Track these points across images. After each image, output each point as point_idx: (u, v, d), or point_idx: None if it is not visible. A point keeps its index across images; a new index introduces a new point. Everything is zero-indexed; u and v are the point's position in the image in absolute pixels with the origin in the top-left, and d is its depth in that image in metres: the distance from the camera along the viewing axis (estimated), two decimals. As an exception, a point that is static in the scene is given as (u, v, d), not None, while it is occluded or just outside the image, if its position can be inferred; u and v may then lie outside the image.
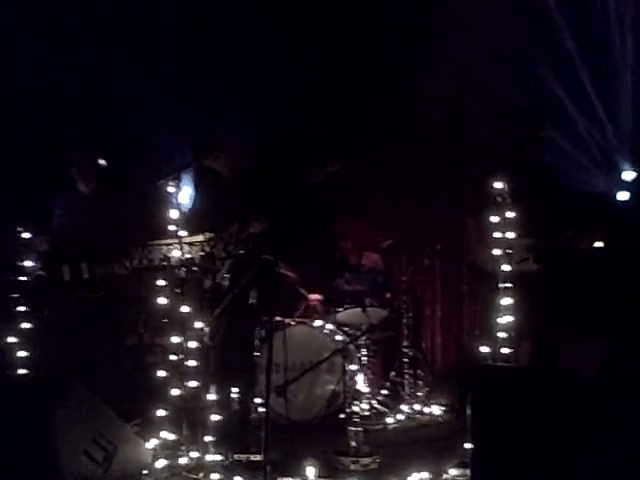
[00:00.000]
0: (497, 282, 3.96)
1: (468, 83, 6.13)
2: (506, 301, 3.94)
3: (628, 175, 5.37)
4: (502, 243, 4.00)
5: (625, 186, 5.38)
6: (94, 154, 4.54)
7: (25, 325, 4.09)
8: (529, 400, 3.18)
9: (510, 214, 4.01)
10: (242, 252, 4.02)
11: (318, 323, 5.29)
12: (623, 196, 5.27)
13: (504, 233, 4.01)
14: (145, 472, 3.56)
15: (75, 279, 4.27)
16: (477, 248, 4.40)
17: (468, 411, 3.29)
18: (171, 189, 3.76)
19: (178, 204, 3.80)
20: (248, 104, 6.07)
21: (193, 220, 4.12)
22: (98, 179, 4.53)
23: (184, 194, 4.24)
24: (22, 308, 4.12)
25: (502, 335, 3.91)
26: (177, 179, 3.76)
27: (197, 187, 4.47)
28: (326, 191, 5.70)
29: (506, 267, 3.99)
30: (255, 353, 5.02)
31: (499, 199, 4.06)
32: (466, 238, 4.68)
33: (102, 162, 4.53)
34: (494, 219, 4.03)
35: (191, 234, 3.87)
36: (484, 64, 5.87)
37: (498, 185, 4.06)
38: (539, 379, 3.34)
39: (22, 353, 4.03)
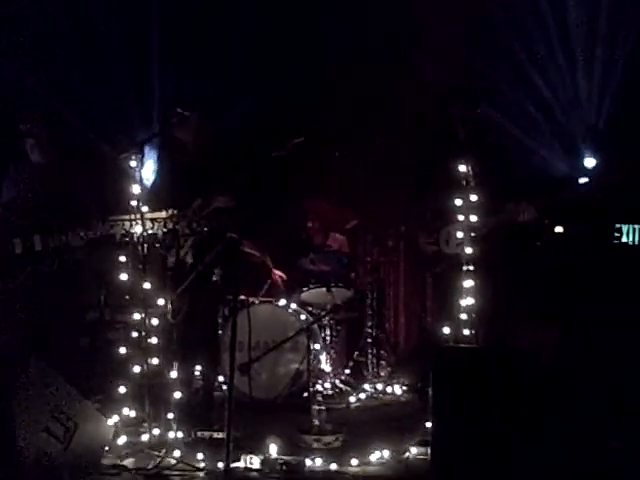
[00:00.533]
0: (459, 264, 4.01)
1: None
2: (468, 283, 3.99)
3: (589, 162, 5.46)
4: (465, 226, 4.05)
5: (585, 172, 5.46)
6: (37, 127, 4.40)
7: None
8: (488, 380, 3.23)
9: (474, 197, 4.05)
10: (206, 229, 3.97)
11: (282, 302, 5.29)
12: (583, 181, 5.36)
13: (467, 216, 4.05)
14: (106, 448, 3.53)
15: (27, 252, 4.17)
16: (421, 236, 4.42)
17: (429, 391, 3.33)
18: (133, 163, 3.69)
19: (141, 179, 3.73)
20: (215, 74, 6.01)
21: (156, 194, 4.06)
22: (46, 151, 4.40)
23: (147, 169, 4.17)
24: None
25: (463, 317, 3.97)
26: (140, 153, 3.69)
27: (161, 158, 4.37)
28: (292, 169, 5.70)
29: (468, 250, 4.04)
30: (219, 331, 5.01)
31: (463, 182, 4.10)
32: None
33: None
34: (458, 202, 4.06)
35: (154, 210, 3.81)
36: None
37: (463, 168, 4.10)
38: (498, 360, 3.39)
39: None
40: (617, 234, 4.78)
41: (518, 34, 5.82)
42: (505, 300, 4.27)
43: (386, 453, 3.67)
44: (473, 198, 4.04)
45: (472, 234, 4.06)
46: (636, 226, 4.76)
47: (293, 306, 5.30)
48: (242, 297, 5.18)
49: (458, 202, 4.05)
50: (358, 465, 3.57)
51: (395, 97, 6.34)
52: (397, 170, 6.61)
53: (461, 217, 4.05)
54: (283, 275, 5.79)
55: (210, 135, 4.22)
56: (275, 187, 5.37)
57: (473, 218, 4.04)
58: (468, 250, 4.02)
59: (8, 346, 4.02)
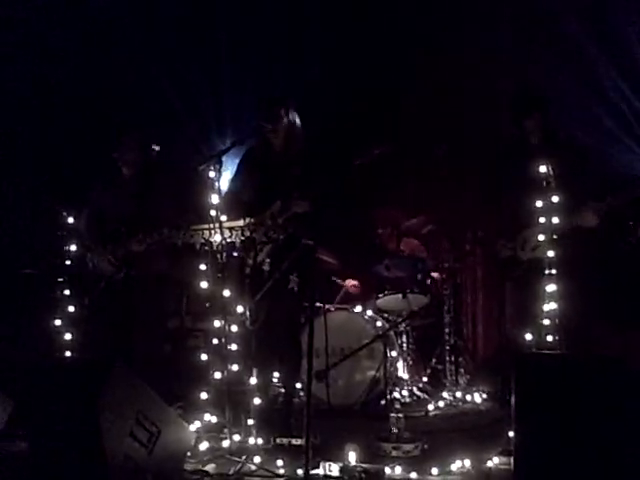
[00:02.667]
0: (541, 268, 3.89)
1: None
2: (550, 288, 3.86)
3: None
4: (547, 228, 3.92)
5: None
6: (139, 138, 4.57)
7: (70, 309, 4.16)
8: (574, 388, 3.12)
9: (555, 199, 3.93)
10: (282, 237, 4.00)
11: (358, 309, 5.27)
12: None
13: (548, 218, 3.92)
14: (188, 454, 3.60)
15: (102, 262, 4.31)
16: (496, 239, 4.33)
17: (512, 399, 3.24)
18: (212, 173, 3.76)
19: (219, 189, 3.80)
20: (298, 83, 6.06)
21: (236, 194, 4.09)
22: (139, 164, 4.56)
23: (225, 178, 4.23)
24: (67, 292, 4.18)
25: (546, 322, 3.85)
26: (218, 163, 3.75)
27: (248, 154, 4.36)
28: (371, 174, 5.69)
29: (550, 253, 3.91)
30: (300, 338, 5.03)
31: (544, 183, 3.98)
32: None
33: (155, 148, 4.55)
34: (539, 204, 3.95)
35: (232, 218, 3.87)
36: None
37: (542, 169, 3.98)
38: (584, 367, 3.26)
39: (67, 336, 4.10)
40: None
41: (588, 32, 5.63)
42: (592, 305, 4.12)
43: (467, 462, 3.58)
44: (554, 199, 3.92)
45: (554, 236, 3.93)
46: None
47: (369, 313, 5.27)
48: (318, 304, 5.18)
49: (539, 204, 3.93)
50: (439, 474, 3.50)
51: (469, 103, 6.27)
52: (473, 173, 6.51)
53: (542, 219, 3.94)
54: (357, 284, 5.76)
55: (299, 139, 4.23)
56: (351, 194, 5.36)
57: (555, 220, 3.91)
58: (550, 253, 3.90)
59: (94, 353, 4.17)
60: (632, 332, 4.62)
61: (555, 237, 3.92)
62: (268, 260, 3.98)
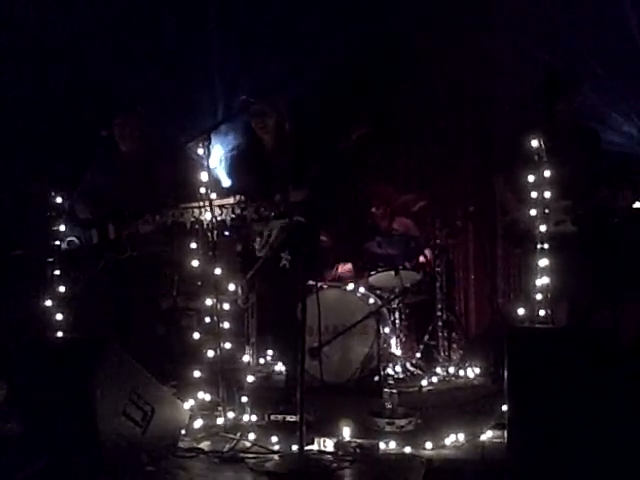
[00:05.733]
0: (534, 243, 3.90)
1: (500, 39, 5.99)
2: (543, 262, 3.87)
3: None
4: (539, 203, 3.93)
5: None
6: (136, 116, 4.52)
7: (61, 289, 4.14)
8: (566, 362, 3.13)
9: (547, 173, 3.93)
10: (273, 215, 3.98)
11: (351, 286, 5.27)
12: None
13: (541, 193, 3.92)
14: (183, 432, 3.61)
15: (103, 241, 4.29)
16: (515, 208, 4.33)
17: (504, 373, 3.25)
18: (201, 151, 3.73)
19: (208, 166, 3.77)
20: (285, 67, 6.01)
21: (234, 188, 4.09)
22: (138, 140, 4.51)
23: (214, 155, 4.20)
24: (57, 272, 4.16)
25: (539, 297, 3.86)
26: (207, 141, 3.72)
27: (241, 156, 4.36)
28: (356, 156, 5.66)
29: (543, 227, 3.92)
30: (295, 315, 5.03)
31: (535, 157, 3.97)
32: (501, 198, 4.61)
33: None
34: (530, 178, 3.95)
35: (222, 197, 3.85)
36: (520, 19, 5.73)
37: (534, 143, 3.97)
38: (576, 340, 3.28)
39: (59, 316, 4.08)
40: None
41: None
42: (584, 278, 4.14)
43: (461, 436, 3.61)
44: (546, 174, 3.91)
45: (546, 211, 3.94)
46: None
47: (361, 290, 5.27)
48: (311, 282, 5.18)
49: (530, 178, 3.93)
50: (433, 448, 3.52)
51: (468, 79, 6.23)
52: (464, 149, 6.49)
53: (534, 194, 3.93)
54: (350, 268, 5.76)
55: (288, 130, 4.22)
56: (341, 175, 5.34)
57: (547, 194, 3.91)
58: (542, 228, 3.90)
59: (88, 332, 4.16)
60: (623, 304, 4.64)
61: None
62: (259, 238, 3.95)
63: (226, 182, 4.38)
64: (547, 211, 3.93)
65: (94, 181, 4.50)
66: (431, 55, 6.18)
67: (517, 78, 5.76)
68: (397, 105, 6.47)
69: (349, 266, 5.81)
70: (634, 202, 4.22)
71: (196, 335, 3.93)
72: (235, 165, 4.39)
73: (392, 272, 5.38)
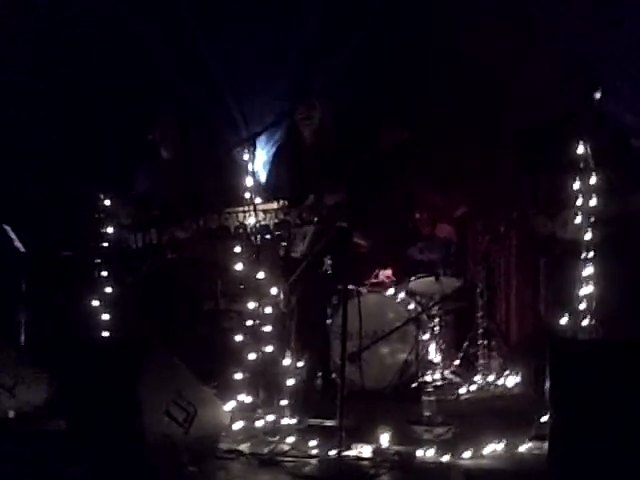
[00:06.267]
0: (578, 251, 3.85)
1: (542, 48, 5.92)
2: (588, 271, 3.81)
3: None
4: (585, 210, 3.87)
5: None
6: (176, 122, 4.60)
7: (108, 290, 4.23)
8: (610, 374, 3.08)
9: (593, 180, 3.87)
10: (316, 219, 4.01)
11: (391, 291, 5.27)
12: None
13: (587, 200, 3.87)
14: (223, 433, 3.65)
15: (146, 245, 4.38)
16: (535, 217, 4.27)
17: (546, 384, 3.22)
18: (246, 156, 3.78)
19: (253, 171, 3.82)
20: (328, 71, 6.05)
21: (269, 189, 4.14)
22: (178, 146, 4.60)
23: (259, 161, 4.26)
24: (104, 273, 4.25)
25: (582, 307, 3.81)
26: (252, 146, 3.77)
27: (279, 151, 4.41)
28: (398, 161, 5.66)
29: (588, 236, 3.86)
30: (328, 320, 5.06)
31: (582, 165, 3.92)
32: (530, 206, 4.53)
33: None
34: (576, 185, 3.90)
35: (266, 201, 3.89)
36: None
37: (580, 150, 3.93)
38: (621, 352, 3.22)
39: (105, 317, 4.18)
40: None
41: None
42: (629, 289, 4.07)
43: (500, 446, 3.58)
44: (592, 181, 3.86)
45: (592, 219, 3.88)
46: None
47: (401, 295, 5.27)
48: (351, 287, 5.19)
49: (576, 185, 3.88)
50: (471, 458, 3.50)
51: (509, 82, 6.16)
52: (507, 155, 6.43)
53: (579, 201, 3.88)
54: (391, 276, 5.76)
55: (329, 132, 4.25)
56: (383, 179, 5.35)
57: (592, 202, 3.86)
58: (587, 236, 3.85)
59: (133, 333, 4.25)
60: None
61: (593, 220, 3.88)
62: (302, 243, 4.00)
63: (263, 176, 4.40)
64: (592, 219, 3.89)
65: (137, 186, 4.59)
66: (467, 58, 6.15)
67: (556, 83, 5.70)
68: (438, 109, 6.44)
69: (389, 272, 5.81)
70: None
71: (238, 337, 3.97)
72: (273, 157, 4.41)
73: (432, 278, 5.36)
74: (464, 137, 6.51)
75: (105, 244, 4.30)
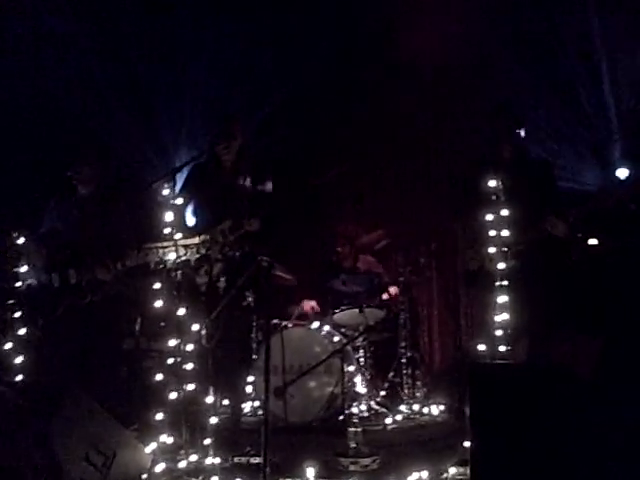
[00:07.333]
0: (493, 280, 3.99)
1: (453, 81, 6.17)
2: (502, 299, 3.95)
3: (622, 173, 5.38)
4: (497, 241, 4.02)
5: (619, 183, 5.39)
6: (95, 158, 4.53)
7: (21, 331, 4.07)
8: (526, 397, 3.18)
9: (504, 212, 4.03)
10: (238, 254, 4.00)
11: (315, 325, 5.29)
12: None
13: (499, 231, 4.02)
14: (144, 476, 3.54)
15: (64, 285, 4.25)
16: (464, 252, 4.42)
17: (466, 409, 3.29)
18: (165, 192, 3.75)
19: (173, 206, 3.79)
20: (256, 102, 6.09)
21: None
22: (97, 182, 4.52)
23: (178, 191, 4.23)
24: (18, 314, 4.09)
25: (499, 333, 3.93)
26: (172, 181, 3.75)
27: (197, 168, 4.38)
28: (325, 193, 5.74)
29: (501, 265, 4.01)
30: (253, 356, 5.03)
31: (493, 197, 4.08)
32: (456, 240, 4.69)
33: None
34: (489, 217, 4.05)
35: (187, 236, 3.86)
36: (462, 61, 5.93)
37: (492, 183, 4.09)
38: (536, 376, 3.33)
39: (19, 359, 4.01)
40: (652, 244, 4.71)
41: (547, 49, 5.81)
42: (542, 315, 4.22)
43: (424, 474, 3.62)
44: (504, 213, 4.02)
45: (505, 249, 4.03)
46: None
47: (326, 328, 5.29)
48: (275, 321, 5.19)
49: (489, 217, 4.03)
50: (396, 487, 3.54)
51: (431, 114, 6.38)
52: (427, 187, 6.63)
53: (492, 232, 4.03)
54: (315, 306, 5.78)
55: (249, 157, 4.28)
56: (305, 212, 5.40)
57: (505, 233, 4.01)
58: (501, 265, 3.99)
59: (49, 377, 4.08)
60: (580, 338, 4.74)
61: (513, 249, 4.04)
62: (223, 278, 3.98)
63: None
64: (505, 249, 4.04)
65: (53, 224, 4.48)
66: (392, 97, 6.33)
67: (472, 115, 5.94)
68: (362, 144, 6.59)
69: (314, 303, 5.83)
70: (587, 238, 4.34)
71: (158, 376, 3.89)
72: (190, 178, 4.39)
73: (356, 310, 5.42)
74: (386, 172, 6.69)
75: (18, 284, 4.14)
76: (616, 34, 5.62)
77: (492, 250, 4.06)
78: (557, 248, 4.35)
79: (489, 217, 4.04)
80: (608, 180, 5.52)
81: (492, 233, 4.03)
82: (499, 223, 4.02)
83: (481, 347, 3.98)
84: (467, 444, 3.33)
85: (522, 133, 4.37)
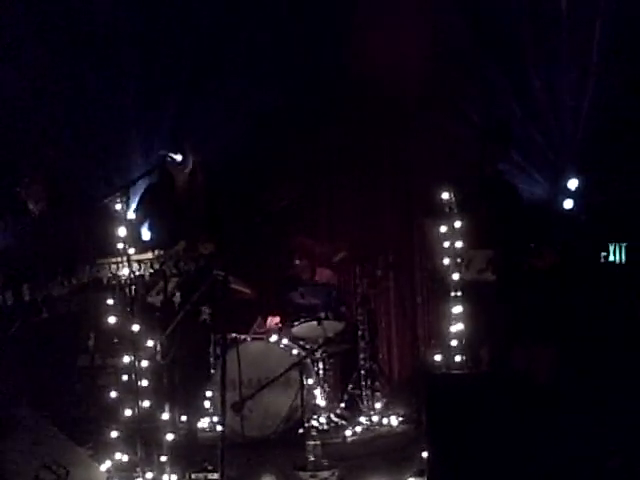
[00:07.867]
0: (449, 290, 4.04)
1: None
2: (457, 309, 4.00)
3: (572, 183, 5.51)
4: (450, 252, 4.09)
5: (569, 194, 5.52)
6: (44, 174, 4.47)
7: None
8: (482, 405, 3.22)
9: (458, 224, 4.11)
10: (193, 269, 3.97)
11: (274, 338, 5.27)
12: (568, 204, 5.40)
13: (453, 243, 4.09)
14: (99, 495, 3.49)
15: (18, 302, 4.17)
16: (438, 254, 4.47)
17: (423, 419, 3.32)
18: (119, 206, 3.71)
19: (126, 221, 3.74)
20: (208, 122, 6.07)
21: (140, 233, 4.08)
22: (48, 199, 4.46)
23: (132, 210, 4.20)
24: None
25: (454, 343, 3.98)
26: (125, 195, 3.71)
27: (150, 188, 4.36)
28: (277, 210, 5.73)
29: (456, 276, 4.07)
30: (210, 370, 4.98)
31: (447, 209, 4.15)
32: (426, 244, 4.75)
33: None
34: (443, 229, 4.12)
35: (140, 251, 3.82)
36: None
37: (445, 195, 4.16)
38: (492, 384, 3.39)
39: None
40: (604, 253, 4.83)
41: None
42: (498, 324, 4.29)
43: (383, 485, 3.64)
44: (457, 225, 4.09)
45: (458, 260, 4.09)
46: (622, 244, 4.81)
47: (285, 341, 5.28)
48: (233, 335, 5.15)
49: (443, 229, 4.10)
50: (355, 499, 3.54)
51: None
52: (384, 200, 6.68)
53: (446, 244, 4.10)
54: (278, 322, 5.76)
55: (202, 178, 4.27)
56: (262, 228, 5.40)
57: (458, 244, 4.08)
58: (455, 276, 4.05)
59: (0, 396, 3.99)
60: (538, 347, 4.82)
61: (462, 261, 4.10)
62: (178, 292, 3.94)
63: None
64: (459, 260, 4.11)
65: (6, 242, 4.40)
66: (346, 108, 6.38)
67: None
68: (316, 160, 6.62)
69: (277, 319, 5.81)
70: (550, 264, 4.42)
71: (113, 394, 3.83)
72: (144, 198, 4.37)
73: (315, 322, 5.42)
74: (342, 185, 6.73)
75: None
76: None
77: (446, 261, 4.12)
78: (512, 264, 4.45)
79: (443, 229, 4.11)
80: (558, 190, 5.63)
81: (446, 244, 4.10)
82: (452, 234, 4.09)
83: (437, 357, 4.03)
84: (425, 454, 3.36)
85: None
